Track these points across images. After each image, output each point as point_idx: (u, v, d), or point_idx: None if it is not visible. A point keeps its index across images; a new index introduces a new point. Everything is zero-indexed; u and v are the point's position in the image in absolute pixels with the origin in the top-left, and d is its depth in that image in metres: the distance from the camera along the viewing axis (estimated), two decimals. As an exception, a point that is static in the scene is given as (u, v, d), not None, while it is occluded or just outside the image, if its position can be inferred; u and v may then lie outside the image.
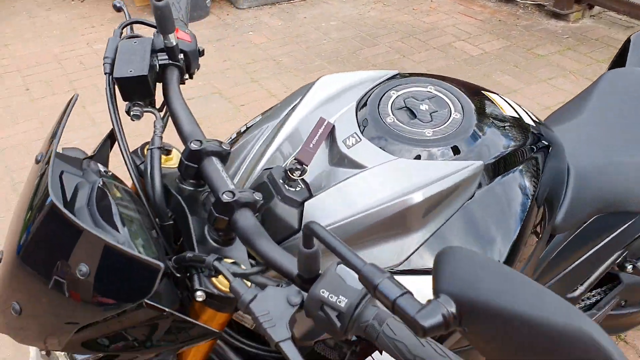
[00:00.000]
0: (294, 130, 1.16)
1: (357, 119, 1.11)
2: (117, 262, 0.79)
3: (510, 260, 1.10)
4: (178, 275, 0.95)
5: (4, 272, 0.90)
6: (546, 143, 1.23)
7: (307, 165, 1.05)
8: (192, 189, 1.04)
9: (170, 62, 1.10)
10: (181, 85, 1.12)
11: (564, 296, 1.59)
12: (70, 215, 0.80)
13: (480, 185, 1.09)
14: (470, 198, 1.07)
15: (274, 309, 0.79)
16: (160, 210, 1.00)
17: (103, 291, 0.80)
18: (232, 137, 1.35)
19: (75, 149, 1.11)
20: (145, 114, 1.06)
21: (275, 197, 1.05)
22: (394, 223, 1.00)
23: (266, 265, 0.86)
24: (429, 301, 0.60)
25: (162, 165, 1.08)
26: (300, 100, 1.18)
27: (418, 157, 1.04)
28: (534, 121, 1.25)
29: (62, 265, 0.82)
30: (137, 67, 1.00)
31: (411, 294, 0.62)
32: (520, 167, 1.17)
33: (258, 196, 0.93)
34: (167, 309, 0.85)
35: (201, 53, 1.17)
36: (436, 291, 0.60)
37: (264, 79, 4.02)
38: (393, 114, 1.10)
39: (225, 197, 0.90)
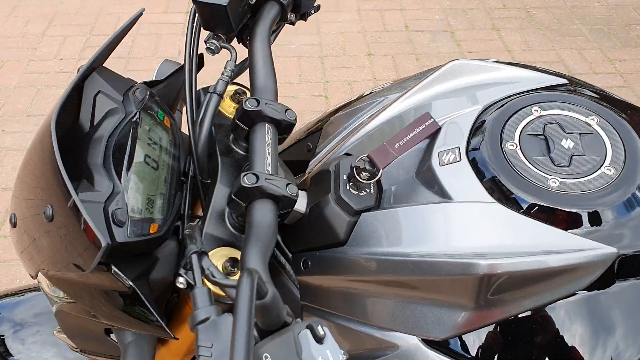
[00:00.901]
0: (396, 117, 0.91)
1: (470, 131, 0.82)
2: (73, 219, 0.67)
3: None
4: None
5: None
6: None
7: (380, 169, 0.82)
8: (242, 153, 0.88)
9: (271, -4, 0.91)
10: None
11: None
12: (55, 145, 0.69)
13: (624, 277, 0.76)
14: (587, 289, 0.74)
15: (219, 344, 0.62)
16: (201, 165, 0.86)
17: (54, 245, 0.70)
18: (352, 99, 1.14)
19: (174, 62, 1.00)
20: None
21: (330, 193, 0.84)
22: (452, 287, 0.73)
23: None
24: None
25: (226, 115, 0.94)
26: (419, 82, 0.92)
27: (527, 212, 0.74)
28: None
29: (40, 198, 0.73)
30: (224, -8, 0.84)
31: None
32: None
33: (291, 191, 0.74)
34: (130, 283, 0.73)
35: None
36: None
37: (506, 30, 3.57)
38: (519, 140, 0.78)
39: (246, 181, 0.72)
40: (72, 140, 0.78)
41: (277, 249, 0.92)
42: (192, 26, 0.89)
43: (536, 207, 0.73)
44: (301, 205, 0.88)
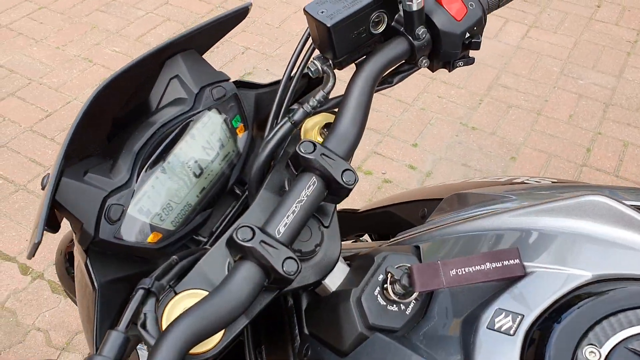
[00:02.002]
0: (493, 232, 0.68)
1: (554, 301, 0.56)
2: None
3: None
4: None
5: None
6: None
7: (416, 291, 0.62)
8: None
9: (402, 30, 0.72)
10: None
11: None
12: (80, 114, 0.65)
13: None
14: None
15: None
16: (250, 190, 0.76)
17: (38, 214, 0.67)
18: (500, 178, 0.90)
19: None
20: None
21: (355, 288, 0.67)
22: None
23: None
24: None
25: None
26: (543, 203, 0.66)
27: None
28: None
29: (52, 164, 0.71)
30: (331, 11, 0.69)
31: None
32: None
33: (288, 268, 0.61)
34: (95, 285, 0.67)
35: (471, 44, 0.74)
36: None
37: None
38: (608, 352, 0.51)
39: (238, 235, 0.61)
40: (133, 117, 0.74)
41: (297, 318, 0.78)
42: (306, 39, 0.77)
43: None
44: (333, 281, 0.73)
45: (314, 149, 0.66)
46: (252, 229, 0.61)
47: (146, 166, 0.70)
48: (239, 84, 0.81)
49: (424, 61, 0.75)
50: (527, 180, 0.87)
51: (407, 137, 2.75)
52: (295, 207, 0.64)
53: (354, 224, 1.15)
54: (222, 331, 0.63)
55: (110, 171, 0.69)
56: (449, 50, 0.73)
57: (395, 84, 0.77)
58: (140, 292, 0.61)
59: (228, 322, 0.59)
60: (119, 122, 0.74)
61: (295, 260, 0.61)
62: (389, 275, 0.65)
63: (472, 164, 2.63)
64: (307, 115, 0.73)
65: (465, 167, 2.61)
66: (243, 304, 0.59)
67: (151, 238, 0.70)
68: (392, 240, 0.84)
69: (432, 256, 0.70)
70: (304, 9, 0.71)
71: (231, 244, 0.61)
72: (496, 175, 2.57)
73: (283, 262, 0.60)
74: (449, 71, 0.78)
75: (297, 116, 0.73)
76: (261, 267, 0.61)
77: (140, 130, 0.72)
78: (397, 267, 0.65)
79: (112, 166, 0.69)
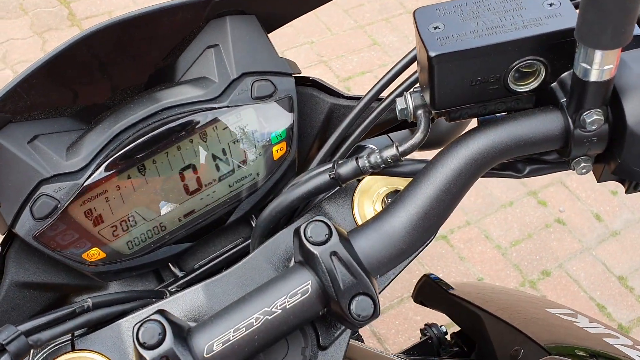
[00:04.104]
0: None
1: None
2: None
3: None
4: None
5: None
6: None
7: None
8: None
9: (562, 103, 0.41)
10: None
11: None
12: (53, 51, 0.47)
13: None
14: None
15: None
16: (254, 238, 0.53)
17: None
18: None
19: None
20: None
21: None
22: None
23: None
24: None
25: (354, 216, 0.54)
26: None
27: None
28: None
29: None
30: (449, 32, 0.40)
31: None
32: None
33: None
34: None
35: None
36: None
37: None
38: None
39: (140, 335, 0.40)
40: (155, 82, 0.54)
41: None
42: (408, 60, 0.49)
43: None
44: None
45: (327, 239, 0.40)
46: (164, 330, 0.38)
47: (117, 155, 0.48)
48: (312, 83, 0.56)
49: (582, 164, 0.42)
50: None
51: (608, 180, 2.25)
52: (256, 319, 0.40)
53: (442, 299, 0.86)
54: None
55: (68, 148, 0.49)
56: (633, 165, 0.40)
57: (523, 177, 0.46)
58: (9, 332, 0.42)
59: None
60: (127, 83, 0.54)
61: None
62: None
63: (677, 244, 2.08)
64: (360, 174, 0.46)
65: (665, 244, 2.08)
66: None
67: (90, 255, 0.50)
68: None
69: None
70: (413, 13, 0.42)
71: (134, 333, 0.39)
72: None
73: None
74: (626, 192, 0.44)
75: (343, 170, 0.46)
76: None
77: (134, 105, 0.51)
78: None
79: (74, 142, 0.49)
